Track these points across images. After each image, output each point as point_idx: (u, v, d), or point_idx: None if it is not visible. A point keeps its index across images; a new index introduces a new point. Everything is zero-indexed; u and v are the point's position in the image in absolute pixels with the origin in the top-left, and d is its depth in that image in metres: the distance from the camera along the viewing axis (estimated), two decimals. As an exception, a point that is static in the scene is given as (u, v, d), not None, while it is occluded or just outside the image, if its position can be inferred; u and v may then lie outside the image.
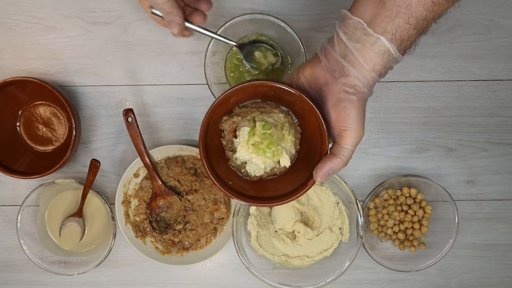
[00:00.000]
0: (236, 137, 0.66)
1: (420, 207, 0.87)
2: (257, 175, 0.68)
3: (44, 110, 0.88)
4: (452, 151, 0.89)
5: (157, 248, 0.88)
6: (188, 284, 0.91)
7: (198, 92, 0.88)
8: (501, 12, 0.86)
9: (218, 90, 0.81)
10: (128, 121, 0.83)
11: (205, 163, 0.64)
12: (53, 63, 0.87)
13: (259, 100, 0.67)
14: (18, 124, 0.88)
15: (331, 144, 0.63)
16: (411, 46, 0.57)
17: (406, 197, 0.87)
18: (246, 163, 0.67)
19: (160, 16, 0.69)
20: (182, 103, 0.88)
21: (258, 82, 0.62)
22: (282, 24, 0.77)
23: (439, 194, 0.86)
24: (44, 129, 0.89)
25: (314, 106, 0.60)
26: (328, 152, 0.62)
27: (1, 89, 0.82)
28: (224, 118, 0.66)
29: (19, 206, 0.87)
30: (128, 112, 0.82)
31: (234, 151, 0.67)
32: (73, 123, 0.81)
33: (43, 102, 0.88)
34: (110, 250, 0.86)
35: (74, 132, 0.82)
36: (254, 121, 0.65)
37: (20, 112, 0.88)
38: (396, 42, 0.54)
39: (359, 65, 0.55)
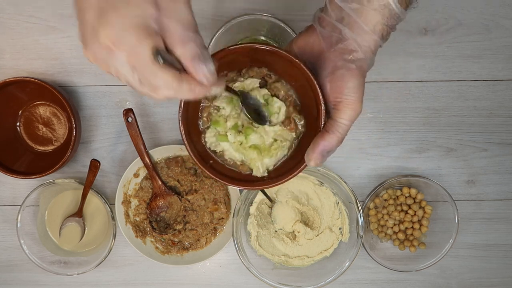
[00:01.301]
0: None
1: (420, 207, 0.87)
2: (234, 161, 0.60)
3: (44, 110, 0.88)
4: (452, 151, 0.89)
5: (157, 248, 0.88)
6: (188, 284, 0.91)
7: (198, 92, 0.87)
8: (501, 12, 0.86)
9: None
10: (128, 121, 0.83)
11: (185, 138, 0.56)
12: (53, 63, 0.87)
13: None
14: (18, 124, 0.88)
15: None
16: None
17: (406, 197, 0.87)
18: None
19: (174, 66, 0.42)
20: (182, 103, 0.88)
21: (252, 45, 0.53)
22: (282, 24, 0.77)
23: (439, 194, 0.86)
24: (44, 129, 0.89)
25: (311, 75, 0.53)
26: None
27: (1, 89, 0.82)
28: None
29: (19, 206, 0.87)
30: (128, 112, 0.82)
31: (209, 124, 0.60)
32: (73, 123, 0.81)
33: (43, 102, 0.88)
34: (110, 250, 0.86)
35: (74, 132, 0.82)
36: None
37: (20, 112, 0.88)
38: None
39: (358, 27, 0.50)
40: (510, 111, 0.88)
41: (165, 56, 0.40)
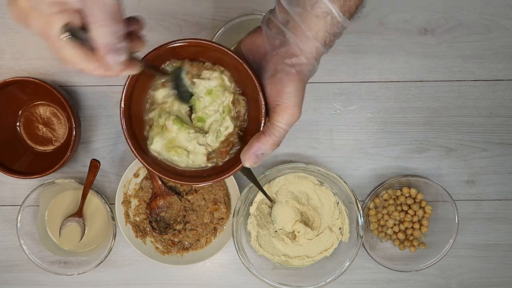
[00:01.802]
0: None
1: (420, 207, 0.87)
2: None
3: (44, 110, 0.88)
4: (452, 151, 0.89)
5: (157, 248, 0.88)
6: (188, 284, 0.91)
7: (198, 92, 0.87)
8: (501, 12, 0.86)
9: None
10: (128, 121, 0.83)
11: (124, 125, 0.55)
12: (53, 63, 0.87)
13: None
14: (18, 124, 0.88)
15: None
16: (356, 9, 0.51)
17: (406, 197, 0.87)
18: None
19: (82, 42, 0.42)
20: (182, 103, 0.88)
21: (196, 41, 0.54)
22: (282, 24, 0.77)
23: (439, 194, 0.86)
24: (44, 129, 0.89)
25: (253, 75, 0.53)
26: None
27: (1, 89, 0.82)
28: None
29: (19, 206, 0.87)
30: (128, 112, 0.82)
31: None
32: (73, 123, 0.81)
33: (43, 102, 0.88)
34: (110, 250, 0.86)
35: (74, 132, 0.82)
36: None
37: (20, 112, 0.88)
38: (338, 2, 0.49)
39: (301, 32, 0.50)
40: (510, 111, 0.88)
41: (79, 34, 0.42)
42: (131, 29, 0.48)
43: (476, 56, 0.87)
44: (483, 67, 0.87)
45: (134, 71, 0.47)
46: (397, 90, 0.88)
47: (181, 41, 0.54)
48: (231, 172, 0.56)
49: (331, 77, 0.87)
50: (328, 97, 0.88)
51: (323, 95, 0.88)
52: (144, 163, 0.57)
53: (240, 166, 0.55)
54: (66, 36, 0.41)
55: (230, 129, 0.56)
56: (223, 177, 0.56)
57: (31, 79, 0.81)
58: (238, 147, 0.57)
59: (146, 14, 0.87)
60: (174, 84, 0.56)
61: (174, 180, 0.57)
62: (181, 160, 0.57)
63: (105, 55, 0.43)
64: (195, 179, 0.57)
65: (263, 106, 0.53)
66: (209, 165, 0.58)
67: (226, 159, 0.58)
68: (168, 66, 0.58)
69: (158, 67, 0.56)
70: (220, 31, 0.78)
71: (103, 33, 0.42)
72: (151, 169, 0.57)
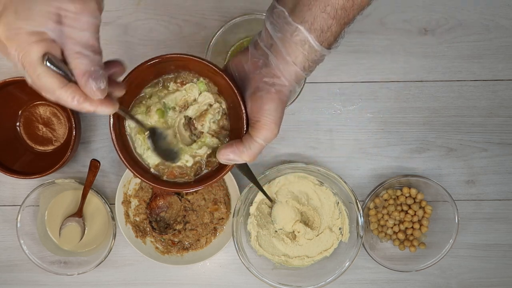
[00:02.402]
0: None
1: (420, 207, 0.87)
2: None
3: (44, 110, 0.88)
4: (452, 151, 0.89)
5: (157, 248, 0.88)
6: (188, 284, 0.91)
7: (198, 92, 0.87)
8: (501, 12, 0.86)
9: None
10: (128, 121, 0.83)
11: (113, 135, 0.57)
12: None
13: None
14: (18, 124, 0.88)
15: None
16: (335, 39, 0.53)
17: (406, 197, 0.87)
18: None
19: (61, 72, 0.43)
20: (182, 103, 0.88)
21: (187, 56, 0.56)
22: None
23: (439, 194, 0.86)
24: (44, 129, 0.89)
25: (236, 90, 0.56)
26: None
27: (1, 89, 0.82)
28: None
29: (19, 206, 0.87)
30: (128, 112, 0.82)
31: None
32: (73, 123, 0.81)
33: (43, 102, 0.88)
34: (110, 250, 0.86)
35: (74, 132, 0.82)
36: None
37: (20, 112, 0.88)
38: (315, 32, 0.51)
39: (282, 56, 0.53)
40: (510, 111, 0.88)
41: (58, 64, 0.42)
42: (112, 71, 0.49)
43: (476, 56, 0.87)
44: (483, 67, 0.87)
45: (110, 109, 0.47)
46: (397, 90, 0.88)
47: (171, 55, 0.56)
48: (221, 175, 0.59)
49: (331, 77, 0.87)
50: (328, 97, 0.88)
51: (323, 95, 0.88)
52: (113, 135, 0.57)
53: (227, 171, 0.58)
54: (45, 64, 0.42)
55: (189, 164, 0.59)
56: (215, 180, 0.59)
57: (31, 79, 0.81)
58: (190, 180, 0.60)
59: (146, 14, 0.87)
60: (151, 141, 0.58)
61: (124, 159, 0.58)
62: (139, 146, 0.59)
63: (85, 83, 0.43)
64: (179, 186, 0.60)
65: (244, 119, 0.56)
66: (152, 171, 0.60)
67: (171, 180, 0.60)
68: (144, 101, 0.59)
69: (134, 117, 0.57)
70: (220, 31, 0.78)
71: (81, 62, 0.43)
72: (114, 139, 0.58)
